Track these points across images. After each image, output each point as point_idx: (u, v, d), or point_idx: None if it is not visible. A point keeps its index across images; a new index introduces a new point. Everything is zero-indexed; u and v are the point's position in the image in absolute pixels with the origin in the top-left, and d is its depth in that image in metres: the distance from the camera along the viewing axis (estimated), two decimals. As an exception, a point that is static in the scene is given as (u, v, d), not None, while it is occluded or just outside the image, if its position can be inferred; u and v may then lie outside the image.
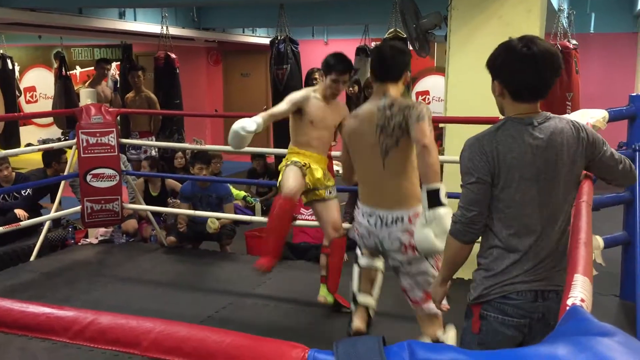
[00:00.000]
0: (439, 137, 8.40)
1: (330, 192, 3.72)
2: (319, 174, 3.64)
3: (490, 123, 3.91)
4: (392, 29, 6.15)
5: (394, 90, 2.79)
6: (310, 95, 3.61)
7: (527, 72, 1.83)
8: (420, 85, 9.55)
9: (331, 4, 8.02)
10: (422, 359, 0.74)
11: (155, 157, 6.86)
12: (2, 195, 5.58)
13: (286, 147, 3.87)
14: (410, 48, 5.44)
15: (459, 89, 4.27)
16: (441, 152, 5.76)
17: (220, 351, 0.81)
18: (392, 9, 6.17)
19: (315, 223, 5.17)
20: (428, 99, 9.53)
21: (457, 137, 4.30)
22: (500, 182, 1.88)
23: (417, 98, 9.51)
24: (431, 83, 9.58)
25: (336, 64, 3.53)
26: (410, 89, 6.45)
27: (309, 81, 6.77)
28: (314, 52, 10.39)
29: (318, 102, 3.61)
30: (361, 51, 8.76)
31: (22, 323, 0.91)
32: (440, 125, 5.00)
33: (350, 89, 7.17)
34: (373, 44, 9.58)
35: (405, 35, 5.79)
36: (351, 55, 8.89)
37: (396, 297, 4.09)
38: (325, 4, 8.04)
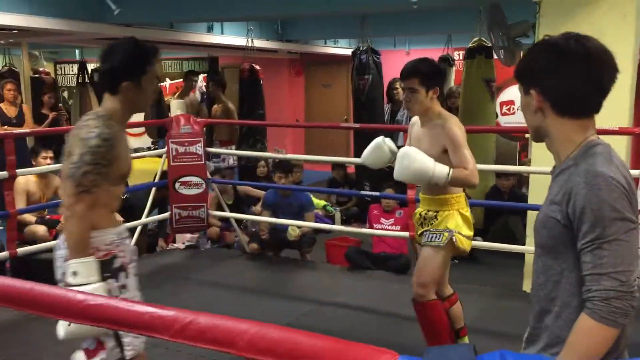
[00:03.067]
0: (524, 147, 8.19)
1: (429, 238, 2.97)
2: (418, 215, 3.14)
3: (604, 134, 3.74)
4: (476, 38, 6.05)
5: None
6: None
7: (580, 76, 1.41)
8: (505, 95, 9.31)
9: (413, 14, 7.97)
10: (515, 370, 0.74)
11: (233, 166, 7.04)
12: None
13: None
14: (495, 57, 5.34)
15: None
16: (527, 163, 5.61)
17: (312, 354, 0.84)
18: (476, 18, 6.07)
19: (396, 233, 5.16)
20: (513, 108, 9.28)
21: (544, 148, 4.15)
22: None
23: (501, 108, 9.27)
24: (516, 92, 9.28)
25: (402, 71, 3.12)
26: (495, 98, 6.31)
27: (390, 92, 6.77)
28: (395, 62, 10.34)
29: (417, 126, 3.11)
30: (443, 61, 8.67)
31: (128, 321, 0.97)
32: (527, 135, 4.86)
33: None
34: (456, 54, 9.45)
35: (490, 44, 5.69)
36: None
37: (480, 310, 4.02)
38: (407, 13, 8.01)
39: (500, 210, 5.58)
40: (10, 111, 6.91)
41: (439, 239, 2.91)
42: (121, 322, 0.98)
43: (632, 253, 1.31)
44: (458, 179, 2.77)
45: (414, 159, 2.74)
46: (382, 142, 3.21)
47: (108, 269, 2.14)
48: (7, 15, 5.46)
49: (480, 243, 4.93)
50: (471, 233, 2.99)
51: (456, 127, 2.85)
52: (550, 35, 1.48)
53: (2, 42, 8.28)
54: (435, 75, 3.00)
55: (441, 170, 2.73)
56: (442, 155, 2.85)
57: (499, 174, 5.70)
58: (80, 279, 2.01)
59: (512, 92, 9.38)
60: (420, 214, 3.07)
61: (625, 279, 1.29)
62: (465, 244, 2.95)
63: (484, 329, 3.77)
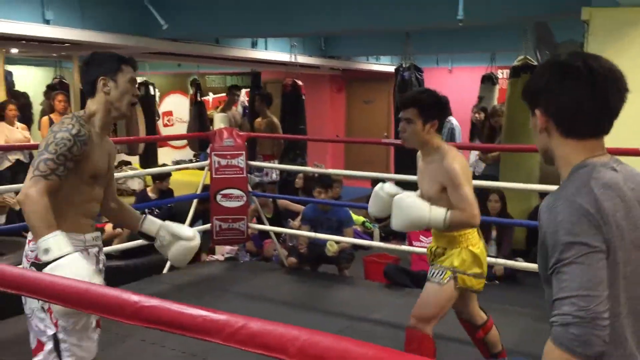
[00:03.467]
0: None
1: (432, 274, 2.86)
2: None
3: (633, 154, 3.67)
4: (521, 56, 5.98)
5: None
6: None
7: (583, 95, 1.35)
8: (549, 114, 9.18)
9: (457, 32, 7.96)
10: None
11: (276, 181, 7.10)
12: (149, 209, 5.99)
13: (408, 174, 3.79)
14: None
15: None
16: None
17: (363, 363, 0.84)
18: (522, 36, 6.01)
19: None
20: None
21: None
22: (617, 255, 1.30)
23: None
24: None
25: (400, 99, 2.95)
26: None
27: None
28: (438, 80, 10.34)
29: (419, 160, 2.99)
30: (487, 79, 8.61)
31: (180, 323, 0.99)
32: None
33: (477, 115, 7.05)
34: (499, 72, 9.37)
35: (535, 63, 5.62)
36: (477, 82, 8.78)
37: (520, 332, 3.94)
38: (451, 31, 8.00)
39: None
40: (60, 122, 7.13)
41: (440, 276, 2.80)
42: (174, 324, 1.00)
43: (594, 278, 1.23)
44: (455, 222, 2.65)
45: (408, 207, 2.68)
46: (379, 190, 3.14)
47: None
48: (61, 29, 5.66)
49: (522, 264, 4.83)
50: (480, 270, 2.83)
51: (455, 163, 2.67)
52: (559, 54, 1.44)
53: (54, 55, 8.57)
54: (437, 107, 2.81)
55: (437, 216, 2.64)
56: (442, 194, 2.71)
57: (543, 194, 5.59)
58: (54, 254, 1.96)
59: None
60: (431, 250, 2.97)
61: (585, 304, 1.20)
62: (473, 283, 2.81)
63: (523, 351, 3.69)
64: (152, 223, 2.53)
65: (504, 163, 5.95)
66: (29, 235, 2.21)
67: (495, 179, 5.92)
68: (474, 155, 7.08)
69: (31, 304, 2.19)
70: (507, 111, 5.99)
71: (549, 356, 1.24)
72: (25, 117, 7.91)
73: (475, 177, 6.73)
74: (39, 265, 2.07)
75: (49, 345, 2.15)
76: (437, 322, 2.89)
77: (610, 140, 1.46)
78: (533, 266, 4.57)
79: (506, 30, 7.38)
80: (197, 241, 2.52)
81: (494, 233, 5.43)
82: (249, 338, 0.92)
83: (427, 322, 2.83)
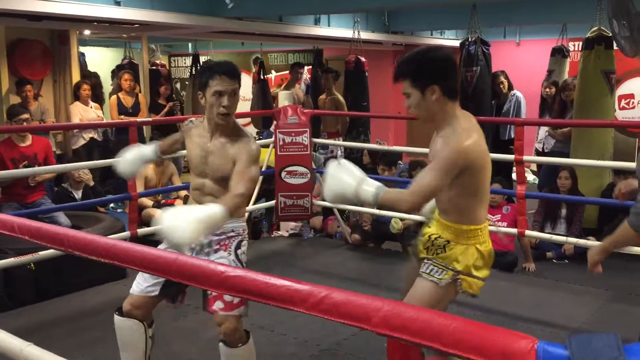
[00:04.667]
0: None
1: (429, 269, 2.38)
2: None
3: None
4: (595, 28, 5.72)
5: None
6: None
7: None
8: (624, 88, 8.77)
9: (525, 3, 7.68)
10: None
11: (340, 157, 7.12)
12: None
13: None
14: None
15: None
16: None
17: (447, 333, 0.85)
18: (596, 6, 5.73)
19: (503, 229, 5.01)
20: (633, 102, 8.72)
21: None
22: None
23: (619, 102, 8.73)
24: (637, 85, 8.76)
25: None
26: (614, 91, 5.95)
27: (494, 85, 6.57)
28: (505, 54, 10.04)
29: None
30: (557, 52, 8.30)
31: (266, 292, 1.03)
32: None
33: (547, 90, 6.83)
34: (571, 44, 9.01)
35: (610, 34, 5.37)
36: (546, 55, 8.48)
37: (592, 312, 3.84)
38: (519, 2, 7.72)
39: (617, 209, 5.27)
40: (128, 101, 7.36)
41: (439, 275, 2.33)
42: (259, 293, 1.04)
43: None
44: (387, 201, 2.21)
45: (332, 177, 2.26)
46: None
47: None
48: (131, 10, 5.82)
49: (594, 243, 4.69)
50: (486, 273, 2.39)
51: (449, 147, 2.22)
52: None
53: (124, 36, 8.83)
54: (429, 69, 2.29)
55: (367, 190, 2.20)
56: (454, 180, 2.23)
57: (617, 172, 5.38)
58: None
59: (633, 85, 8.83)
60: (429, 237, 2.42)
61: None
62: (475, 288, 2.37)
63: (595, 331, 3.60)
64: None
65: (576, 139, 5.75)
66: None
67: (566, 155, 5.73)
68: (543, 130, 6.86)
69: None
70: (580, 85, 5.76)
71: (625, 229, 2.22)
72: (97, 96, 8.20)
73: (545, 154, 6.57)
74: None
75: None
76: None
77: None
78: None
79: (579, 1, 7.07)
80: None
81: (563, 211, 5.29)
82: (333, 307, 0.94)
83: None
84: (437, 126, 2.36)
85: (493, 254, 2.45)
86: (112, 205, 7.16)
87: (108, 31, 8.05)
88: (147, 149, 2.99)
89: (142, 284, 2.64)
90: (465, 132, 2.25)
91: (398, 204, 2.25)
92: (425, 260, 2.40)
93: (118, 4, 5.68)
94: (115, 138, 7.37)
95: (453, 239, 2.34)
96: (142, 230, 4.68)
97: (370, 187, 2.21)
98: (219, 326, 2.55)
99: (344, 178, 2.24)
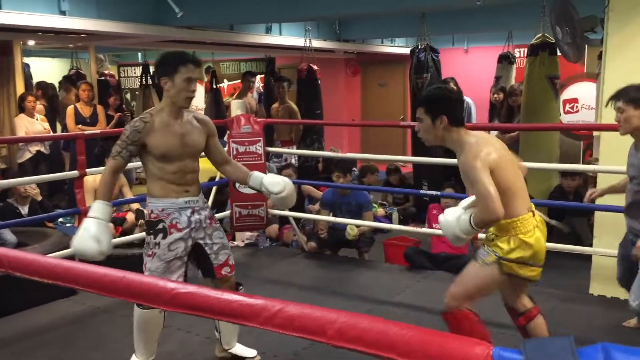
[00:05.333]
0: (589, 146, 7.92)
1: (480, 253, 2.83)
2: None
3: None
4: (539, 34, 5.89)
5: None
6: None
7: None
8: (569, 93, 9.05)
9: (473, 11, 7.86)
10: (620, 363, 0.71)
11: (295, 165, 7.11)
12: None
13: (425, 156, 3.70)
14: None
15: (616, 96, 3.99)
16: (593, 162, 5.43)
17: (402, 343, 0.84)
18: (540, 14, 5.91)
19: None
20: (576, 106, 9.01)
21: (613, 145, 4.01)
22: None
23: (564, 106, 9.01)
24: (580, 90, 9.05)
25: None
26: (559, 96, 6.14)
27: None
28: (454, 61, 10.25)
29: None
30: (504, 58, 8.51)
31: (218, 309, 1.00)
32: (595, 134, 4.71)
33: (495, 95, 6.98)
34: (517, 51, 9.25)
35: (554, 41, 5.54)
36: (493, 62, 8.69)
37: (546, 312, 3.92)
38: (466, 11, 7.90)
39: (565, 211, 5.42)
40: (85, 111, 7.18)
41: (484, 256, 2.76)
42: (211, 309, 1.01)
43: None
44: (479, 222, 2.60)
45: (442, 228, 2.74)
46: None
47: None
48: (76, 19, 5.68)
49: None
50: (526, 256, 2.69)
51: (470, 157, 2.60)
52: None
53: (70, 46, 8.62)
54: (441, 102, 2.72)
55: (465, 226, 2.63)
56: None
57: (564, 174, 5.54)
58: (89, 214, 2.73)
59: (576, 90, 9.12)
60: (486, 235, 2.89)
61: None
62: (524, 271, 2.71)
63: (551, 331, 3.68)
64: (255, 179, 3.07)
65: (523, 143, 5.90)
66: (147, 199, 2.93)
67: (515, 159, 5.86)
68: (493, 135, 7.01)
69: None
70: (526, 90, 5.92)
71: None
72: (53, 107, 7.98)
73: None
74: (151, 222, 2.91)
75: None
76: (473, 303, 2.81)
77: None
78: (556, 246, 4.54)
79: (524, 8, 7.27)
80: (286, 192, 3.02)
81: (514, 214, 5.39)
82: (287, 321, 0.92)
83: (459, 300, 2.78)
84: (451, 148, 2.78)
85: (543, 241, 2.77)
86: (60, 220, 6.95)
87: (53, 41, 7.84)
88: (104, 216, 2.76)
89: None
90: (472, 143, 2.67)
91: (489, 217, 2.55)
92: (479, 250, 2.87)
93: (63, 13, 5.54)
94: (65, 150, 7.18)
95: (498, 233, 2.74)
96: (92, 245, 4.55)
97: (464, 219, 2.63)
98: (225, 283, 3.11)
99: (448, 223, 2.66)
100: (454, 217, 2.65)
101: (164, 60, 2.86)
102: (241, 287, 3.25)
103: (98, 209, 2.70)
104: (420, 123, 2.74)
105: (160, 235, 2.88)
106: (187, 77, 2.78)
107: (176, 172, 2.89)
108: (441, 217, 2.74)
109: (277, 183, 3.03)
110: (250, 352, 3.35)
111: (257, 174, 3.09)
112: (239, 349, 3.34)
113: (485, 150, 2.61)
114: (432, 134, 2.73)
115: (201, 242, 3.01)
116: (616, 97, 3.09)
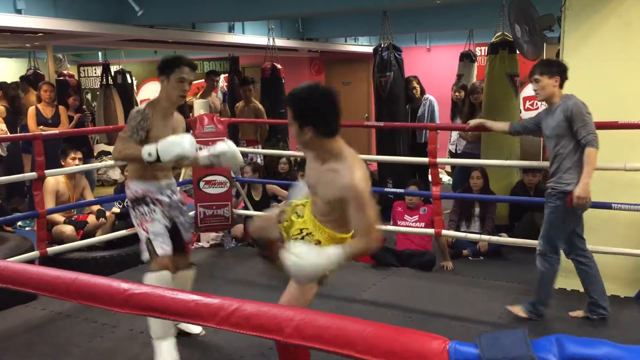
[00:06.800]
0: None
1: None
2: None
3: (607, 128, 3.76)
4: (499, 33, 5.98)
5: None
6: None
7: None
8: (528, 90, 9.21)
9: (434, 10, 7.94)
10: (572, 353, 0.73)
11: (258, 163, 7.06)
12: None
13: (389, 155, 3.65)
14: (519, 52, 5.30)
15: (574, 93, 4.07)
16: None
17: (361, 340, 0.84)
18: (499, 12, 6.00)
19: (420, 230, 5.14)
20: (536, 103, 9.18)
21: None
22: None
23: (524, 103, 9.18)
24: (539, 88, 9.23)
25: None
26: (519, 93, 6.24)
27: (407, 90, 6.73)
28: (417, 59, 10.34)
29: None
30: (465, 57, 8.62)
31: (174, 309, 0.98)
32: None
33: (457, 93, 7.06)
34: (478, 49, 9.38)
35: (512, 39, 5.63)
36: (455, 60, 8.79)
37: (452, 296, 3.98)
38: (428, 9, 7.97)
39: (526, 206, 5.52)
40: (47, 112, 7.00)
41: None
42: (166, 310, 0.99)
43: None
44: (356, 253, 2.38)
45: (299, 268, 2.25)
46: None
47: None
48: (33, 18, 5.54)
49: (507, 239, 4.89)
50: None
51: (357, 178, 2.34)
52: None
53: (28, 45, 8.40)
54: (305, 113, 2.39)
55: (337, 258, 2.29)
56: (337, 204, 2.41)
57: (525, 170, 5.64)
58: (152, 148, 3.12)
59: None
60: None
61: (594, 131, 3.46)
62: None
63: (511, 325, 3.74)
64: (204, 158, 3.33)
65: (485, 140, 5.98)
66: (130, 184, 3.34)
67: (477, 156, 5.94)
68: (455, 133, 7.10)
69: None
70: (487, 88, 6.00)
71: (591, 154, 3.40)
72: (15, 108, 7.75)
73: (457, 155, 6.80)
74: (137, 200, 3.28)
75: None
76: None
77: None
78: (517, 241, 4.63)
79: (484, 7, 7.38)
80: (229, 147, 3.32)
81: (477, 210, 5.47)
82: (243, 320, 0.91)
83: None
84: (318, 157, 2.50)
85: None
86: (19, 223, 6.78)
87: (9, 41, 7.63)
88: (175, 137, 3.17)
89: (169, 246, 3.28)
90: (357, 162, 2.44)
91: (371, 246, 2.41)
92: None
93: (19, 12, 5.39)
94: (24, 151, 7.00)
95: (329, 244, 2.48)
96: (52, 249, 4.45)
97: (335, 252, 2.28)
98: (185, 259, 3.53)
99: (312, 259, 2.22)
100: (314, 254, 2.23)
101: (163, 62, 3.25)
102: (194, 265, 3.62)
103: (167, 139, 3.09)
104: (290, 126, 2.45)
105: (152, 204, 3.27)
106: (181, 77, 3.19)
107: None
108: (292, 258, 2.21)
109: (219, 146, 3.32)
110: (197, 328, 3.65)
111: (203, 152, 3.37)
112: (184, 325, 3.57)
113: (366, 173, 2.41)
114: (301, 139, 2.43)
115: (177, 220, 3.39)
116: (532, 71, 3.60)
